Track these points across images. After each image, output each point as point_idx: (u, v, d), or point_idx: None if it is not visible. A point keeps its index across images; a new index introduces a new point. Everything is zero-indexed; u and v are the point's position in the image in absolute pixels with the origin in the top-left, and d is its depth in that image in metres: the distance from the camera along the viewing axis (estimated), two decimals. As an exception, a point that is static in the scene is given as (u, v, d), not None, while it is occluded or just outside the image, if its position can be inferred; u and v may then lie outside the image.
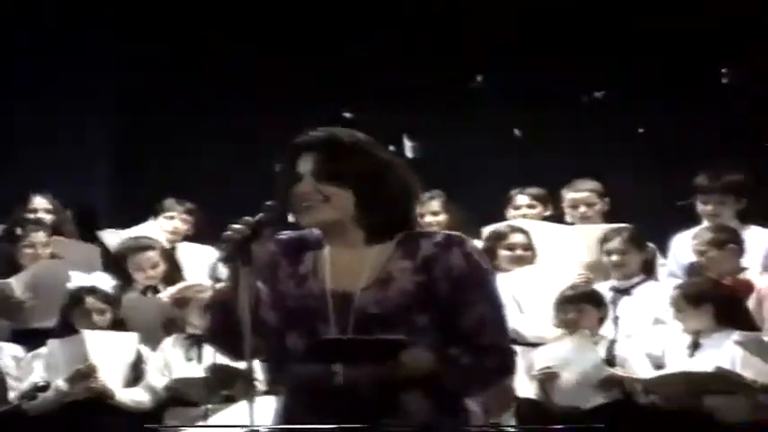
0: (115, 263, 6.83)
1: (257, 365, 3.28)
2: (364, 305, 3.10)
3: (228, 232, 3.09)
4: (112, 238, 7.11)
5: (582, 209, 6.90)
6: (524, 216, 7.05)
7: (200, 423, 5.60)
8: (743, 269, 6.25)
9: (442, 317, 3.11)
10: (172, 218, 7.28)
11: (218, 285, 3.20)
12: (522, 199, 7.15)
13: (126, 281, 6.76)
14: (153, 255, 6.76)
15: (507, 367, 3.21)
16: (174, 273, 6.78)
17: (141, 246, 6.80)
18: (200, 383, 6.06)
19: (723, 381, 5.57)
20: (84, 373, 6.06)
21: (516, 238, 6.61)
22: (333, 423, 3.04)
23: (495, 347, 3.14)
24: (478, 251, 3.22)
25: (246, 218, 3.11)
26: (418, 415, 3.09)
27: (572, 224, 6.98)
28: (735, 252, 6.25)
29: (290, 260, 3.22)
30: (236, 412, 5.38)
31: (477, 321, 3.11)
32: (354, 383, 3.07)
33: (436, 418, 3.10)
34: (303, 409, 3.14)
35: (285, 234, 3.26)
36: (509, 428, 5.51)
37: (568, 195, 6.98)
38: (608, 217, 6.94)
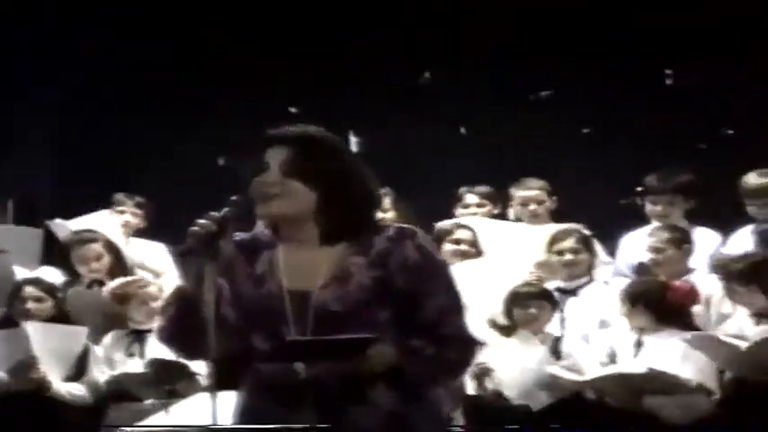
0: (60, 255, 6.73)
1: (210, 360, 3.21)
2: (323, 303, 3.09)
3: (194, 228, 3.06)
4: (61, 229, 7.01)
5: (531, 207, 6.94)
6: (474, 215, 7.06)
7: (148, 418, 5.53)
8: (691, 270, 6.30)
9: (401, 310, 3.12)
10: (122, 212, 7.23)
11: (182, 282, 3.16)
12: (471, 198, 7.18)
13: (73, 274, 6.67)
14: (96, 247, 6.67)
15: (470, 356, 3.24)
16: (119, 266, 6.69)
17: (84, 239, 6.72)
18: (142, 379, 6.00)
19: (657, 381, 5.61)
20: (26, 365, 5.96)
21: (462, 234, 6.66)
22: (297, 418, 3.03)
23: (456, 337, 3.15)
24: (430, 242, 3.23)
25: (212, 213, 3.08)
26: (383, 406, 3.08)
27: (519, 222, 7.01)
28: (688, 253, 6.31)
29: (246, 261, 3.20)
30: (187, 408, 5.33)
31: (436, 312, 3.12)
32: (318, 379, 3.06)
33: (401, 408, 3.10)
34: (266, 405, 3.12)
35: (239, 235, 3.23)
36: (457, 428, 5.55)
37: (518, 193, 7.01)
38: (555, 216, 6.97)
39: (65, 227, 7.03)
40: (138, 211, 7.24)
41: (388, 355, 3.07)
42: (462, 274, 6.23)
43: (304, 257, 3.15)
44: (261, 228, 3.26)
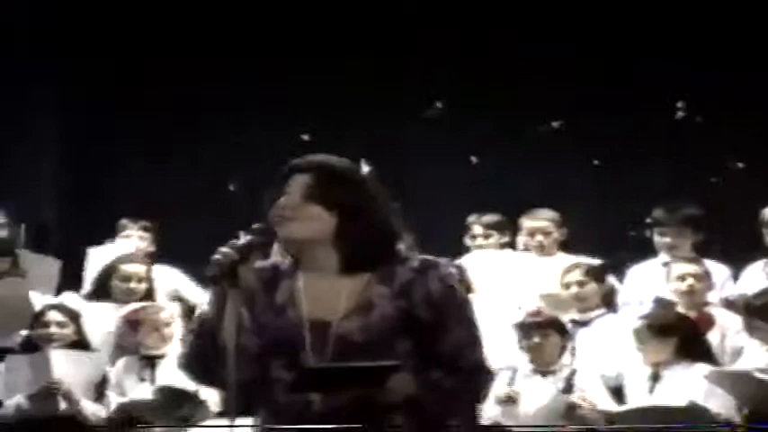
0: (103, 275, 6.73)
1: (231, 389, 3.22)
2: (345, 333, 3.10)
3: (217, 255, 3.06)
4: (96, 254, 7.03)
5: (538, 237, 6.95)
6: (480, 246, 7.06)
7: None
8: (708, 303, 6.32)
9: (422, 341, 3.12)
10: (129, 236, 7.23)
11: (203, 309, 3.17)
12: (477, 228, 7.19)
13: (103, 296, 6.68)
14: (141, 269, 6.71)
15: (487, 388, 3.27)
16: (151, 293, 6.71)
17: (133, 259, 6.80)
18: (150, 406, 6.00)
19: (692, 414, 5.59)
20: (49, 390, 5.95)
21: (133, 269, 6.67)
22: None
23: (475, 369, 3.16)
24: (452, 275, 3.23)
25: (234, 240, 3.09)
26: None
27: (526, 251, 7.02)
28: (709, 286, 6.34)
29: (266, 290, 3.20)
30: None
31: (456, 345, 3.13)
32: (333, 408, 3.05)
33: None
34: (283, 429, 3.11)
35: (259, 264, 3.23)
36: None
37: (526, 223, 7.03)
38: (563, 247, 6.98)
39: (98, 252, 7.05)
40: (145, 234, 7.25)
41: (406, 386, 3.07)
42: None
43: (324, 286, 3.16)
44: (279, 257, 3.26)
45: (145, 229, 7.27)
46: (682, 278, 6.33)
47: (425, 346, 3.12)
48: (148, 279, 6.73)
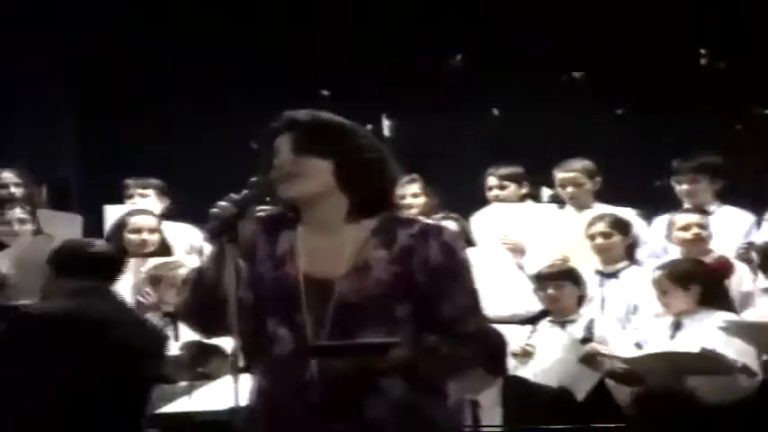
0: (115, 230, 6.76)
1: (234, 342, 3.23)
2: (342, 294, 3.08)
3: (215, 209, 3.06)
4: (113, 211, 7.07)
5: (569, 189, 6.88)
6: (497, 197, 7.04)
7: (181, 400, 5.56)
8: (711, 251, 6.31)
9: (419, 306, 3.10)
10: (131, 196, 7.29)
11: (200, 261, 3.18)
12: (491, 180, 7.15)
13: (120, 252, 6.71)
14: (152, 219, 6.75)
15: (484, 354, 3.25)
16: (165, 247, 6.75)
17: (142, 211, 6.84)
18: (175, 361, 6.02)
19: (706, 361, 5.57)
20: None
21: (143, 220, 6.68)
22: (309, 406, 3.04)
23: (473, 335, 3.15)
24: (455, 240, 3.21)
25: (232, 195, 3.09)
26: (398, 394, 3.08)
27: (554, 203, 7.00)
28: (710, 235, 6.32)
29: (268, 240, 3.19)
30: (217, 390, 5.35)
31: (454, 311, 3.11)
32: (330, 370, 3.05)
33: (413, 399, 3.10)
34: (279, 391, 3.12)
35: (264, 211, 3.23)
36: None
37: (558, 175, 6.95)
38: (599, 197, 6.93)
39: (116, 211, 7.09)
40: (147, 192, 7.28)
41: (403, 353, 3.05)
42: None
43: (325, 241, 3.14)
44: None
45: (147, 187, 7.30)
46: (686, 228, 6.30)
47: (424, 312, 3.10)
48: (159, 230, 6.76)
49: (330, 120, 3.21)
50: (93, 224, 7.22)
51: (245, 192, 3.09)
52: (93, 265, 4.88)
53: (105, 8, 8.41)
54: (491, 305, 6.12)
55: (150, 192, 7.30)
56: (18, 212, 6.75)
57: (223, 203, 3.07)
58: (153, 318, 6.28)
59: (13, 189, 7.10)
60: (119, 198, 7.33)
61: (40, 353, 4.65)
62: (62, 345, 4.64)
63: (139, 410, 4.87)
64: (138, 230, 6.70)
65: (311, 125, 3.17)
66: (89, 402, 4.64)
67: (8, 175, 7.14)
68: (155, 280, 6.40)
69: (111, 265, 4.99)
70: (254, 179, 3.12)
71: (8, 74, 8.24)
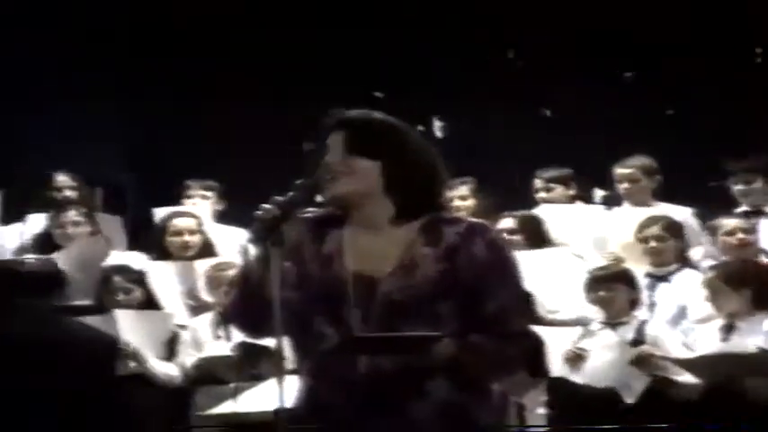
0: (157, 233, 6.83)
1: (285, 344, 3.26)
2: (388, 291, 3.10)
3: (259, 212, 3.09)
4: (161, 214, 7.13)
5: (625, 185, 6.82)
6: (543, 199, 7.03)
7: (230, 401, 5.59)
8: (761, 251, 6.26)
9: (465, 304, 3.12)
10: (191, 197, 7.32)
11: (246, 263, 3.20)
12: (537, 182, 7.14)
13: (162, 254, 6.77)
14: (192, 221, 6.79)
15: (529, 355, 3.24)
16: (208, 247, 6.79)
17: (182, 213, 6.89)
18: (228, 362, 6.06)
19: (762, 360, 5.51)
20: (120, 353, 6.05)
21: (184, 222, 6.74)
22: (354, 405, 3.06)
23: (517, 334, 3.16)
24: (502, 239, 3.23)
25: (277, 197, 3.11)
26: (440, 397, 3.09)
27: (607, 204, 6.95)
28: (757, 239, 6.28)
29: (315, 240, 3.21)
30: (264, 391, 5.38)
31: (499, 309, 3.12)
32: (376, 369, 3.07)
33: (458, 399, 3.11)
34: (327, 391, 3.14)
35: (311, 212, 3.25)
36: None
37: (616, 170, 6.88)
38: (657, 195, 6.86)
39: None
40: (209, 194, 7.31)
41: (448, 350, 3.07)
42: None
43: (372, 240, 3.16)
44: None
45: (209, 189, 7.33)
46: (731, 233, 6.25)
47: (468, 310, 3.11)
48: (201, 232, 6.80)
49: (382, 120, 3.22)
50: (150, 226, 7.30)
51: (290, 194, 3.11)
52: (23, 283, 5.02)
53: (159, 11, 8.47)
54: (552, 306, 6.17)
55: (211, 193, 7.35)
56: (72, 215, 6.81)
57: (267, 206, 3.09)
58: (207, 317, 6.33)
59: (68, 192, 7.17)
60: (172, 200, 7.37)
61: None
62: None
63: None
64: (179, 233, 6.74)
65: (363, 125, 3.20)
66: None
67: (63, 179, 7.21)
68: (216, 281, 6.44)
69: (45, 282, 5.14)
70: (298, 181, 3.14)
71: (63, 79, 8.33)
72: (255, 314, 3.12)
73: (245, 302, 3.18)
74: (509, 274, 3.16)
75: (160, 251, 6.80)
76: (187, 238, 6.74)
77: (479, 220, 3.26)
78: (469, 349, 3.10)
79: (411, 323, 3.07)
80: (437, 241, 3.14)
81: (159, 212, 7.16)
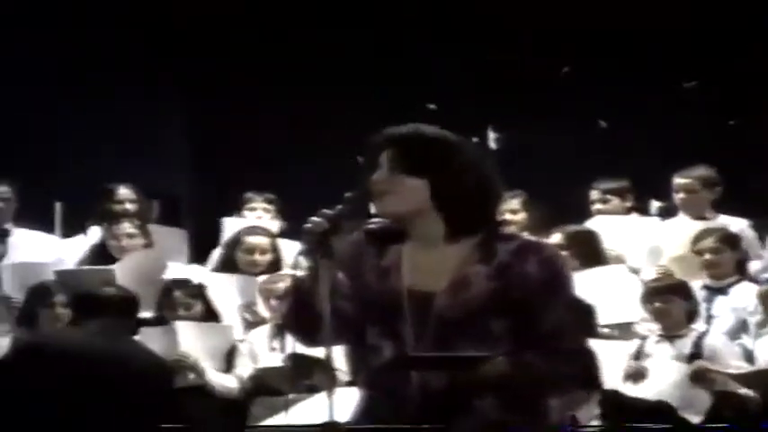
0: (229, 246, 6.84)
1: (339, 355, 3.27)
2: (442, 308, 3.11)
3: (308, 225, 3.11)
4: (230, 224, 7.16)
5: (682, 195, 6.74)
6: (599, 211, 6.99)
7: (281, 414, 5.61)
8: None
9: (518, 323, 3.11)
10: (254, 209, 7.33)
11: (298, 275, 3.21)
12: (594, 194, 7.09)
13: (231, 268, 6.78)
14: (266, 240, 6.78)
15: (584, 372, 3.24)
16: (276, 266, 6.79)
17: (257, 231, 6.87)
18: (282, 373, 6.08)
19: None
20: (177, 363, 6.09)
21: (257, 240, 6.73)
22: (407, 421, 3.07)
23: (572, 353, 3.15)
24: (557, 257, 3.21)
25: (326, 210, 3.12)
26: (489, 416, 3.09)
27: (663, 215, 6.89)
28: None
29: (374, 252, 3.22)
30: (317, 403, 5.39)
31: (553, 328, 3.11)
32: (426, 385, 3.08)
33: (508, 418, 3.10)
34: (379, 405, 3.16)
35: (374, 223, 3.25)
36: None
37: (675, 180, 6.81)
38: (717, 207, 6.79)
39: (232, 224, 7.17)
40: (270, 207, 7.33)
41: (499, 368, 3.07)
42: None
43: (428, 256, 3.16)
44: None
45: (269, 201, 7.35)
46: None
47: (522, 329, 3.11)
48: (274, 251, 6.79)
49: (431, 136, 3.20)
50: (205, 238, 7.35)
51: (339, 207, 3.13)
52: (102, 306, 5.15)
53: (221, 24, 8.53)
54: (607, 320, 6.14)
55: (272, 207, 7.37)
56: (126, 227, 6.87)
57: (316, 219, 3.10)
58: (263, 329, 6.36)
59: (128, 205, 7.21)
60: (229, 212, 7.40)
61: (37, 380, 4.88)
62: (55, 374, 4.88)
63: None
64: (251, 251, 6.74)
65: (410, 142, 3.19)
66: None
67: (124, 192, 7.25)
68: (262, 293, 6.48)
69: (121, 306, 5.25)
70: (348, 195, 3.15)
71: (123, 90, 8.42)
72: (308, 325, 3.13)
73: (297, 314, 3.20)
74: (563, 291, 3.15)
75: (227, 264, 6.80)
76: (258, 257, 6.73)
77: (534, 239, 3.26)
78: (522, 368, 3.09)
79: (464, 340, 3.08)
80: (490, 259, 3.14)
81: (228, 223, 7.18)
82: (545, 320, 3.10)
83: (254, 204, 7.36)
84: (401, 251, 3.20)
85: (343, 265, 3.17)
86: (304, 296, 3.14)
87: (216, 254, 7.12)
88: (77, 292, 5.56)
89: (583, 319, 3.18)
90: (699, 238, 6.32)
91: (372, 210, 3.23)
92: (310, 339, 3.23)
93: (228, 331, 6.37)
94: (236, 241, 6.81)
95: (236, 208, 7.38)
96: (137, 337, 6.07)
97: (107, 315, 5.18)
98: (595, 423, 5.65)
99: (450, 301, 3.10)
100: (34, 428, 4.92)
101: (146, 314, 6.35)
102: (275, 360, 6.20)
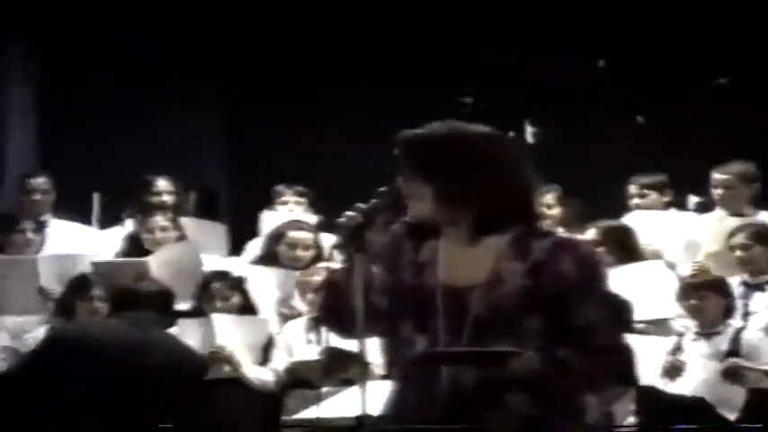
0: (271, 239, 6.83)
1: (375, 348, 3.28)
2: (475, 304, 3.10)
3: (342, 219, 3.11)
4: (269, 218, 7.17)
5: (720, 191, 6.68)
6: (638, 206, 6.95)
7: (313, 407, 5.63)
8: None
9: (551, 320, 3.10)
10: (286, 203, 7.32)
11: (333, 268, 3.23)
12: (632, 189, 7.05)
13: (272, 262, 6.77)
14: (309, 236, 6.76)
15: (619, 369, 3.22)
16: (317, 258, 6.78)
17: (302, 226, 6.83)
18: (318, 366, 6.08)
19: None
20: (213, 356, 6.12)
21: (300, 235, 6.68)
22: (438, 416, 3.07)
23: (606, 350, 3.14)
24: (591, 254, 3.21)
25: (359, 205, 3.13)
26: (524, 409, 3.08)
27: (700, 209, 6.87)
28: None
29: (412, 246, 3.22)
30: (352, 396, 5.40)
31: (587, 324, 3.10)
32: (457, 380, 3.08)
33: (540, 414, 3.09)
34: (411, 399, 3.16)
35: (411, 217, 3.23)
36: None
37: (713, 175, 6.75)
38: (756, 203, 6.72)
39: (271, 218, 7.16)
40: (301, 200, 7.32)
41: (532, 365, 3.07)
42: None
43: (464, 253, 3.16)
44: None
45: (300, 194, 7.34)
46: None
47: (556, 326, 3.10)
48: (317, 246, 6.79)
49: (446, 134, 3.17)
50: (242, 231, 7.36)
51: (373, 201, 3.13)
52: (139, 299, 5.25)
53: (257, 23, 8.55)
54: (644, 316, 6.11)
55: (303, 199, 7.36)
56: (160, 220, 6.89)
57: (350, 213, 3.11)
58: (300, 322, 6.37)
59: (165, 197, 7.22)
60: (266, 205, 7.41)
61: (70, 371, 4.97)
62: (92, 364, 4.96)
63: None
64: (294, 245, 6.72)
65: (417, 145, 3.17)
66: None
67: (163, 184, 7.26)
68: (298, 286, 6.49)
69: (158, 299, 5.34)
70: (381, 189, 3.15)
71: (162, 83, 8.45)
72: (343, 318, 3.15)
73: (331, 307, 3.22)
74: (598, 289, 3.14)
75: (269, 257, 6.80)
76: (300, 252, 6.70)
77: (569, 236, 3.25)
78: (555, 364, 3.08)
79: (498, 337, 3.08)
80: (525, 256, 3.13)
81: (266, 217, 7.17)
82: (579, 317, 3.09)
83: (285, 198, 7.35)
84: (437, 247, 3.19)
85: (382, 258, 3.18)
86: (338, 290, 3.15)
87: (252, 246, 7.13)
88: (115, 286, 5.61)
89: (618, 315, 3.14)
90: (732, 234, 6.28)
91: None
92: (345, 332, 3.25)
93: (265, 324, 6.38)
94: (279, 235, 6.79)
95: (269, 202, 7.37)
96: (173, 330, 6.14)
97: (142, 308, 5.23)
98: (632, 420, 5.62)
99: (484, 297, 3.10)
100: (67, 418, 4.97)
101: (182, 306, 6.40)
102: (311, 353, 6.21)
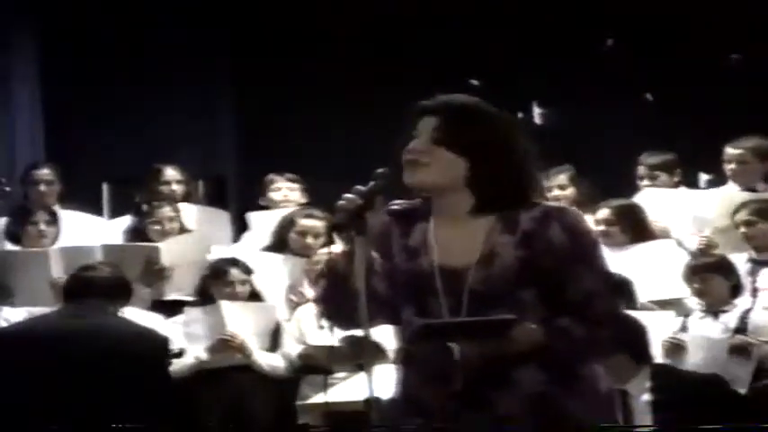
0: (281, 228, 6.79)
1: (390, 333, 3.28)
2: (472, 283, 3.10)
3: (341, 202, 3.10)
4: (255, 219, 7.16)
5: (732, 166, 6.61)
6: (647, 186, 6.91)
7: (330, 391, 5.63)
8: None
9: (547, 290, 3.10)
10: (279, 189, 7.29)
11: (333, 253, 3.20)
12: (640, 169, 7.01)
13: (282, 249, 6.75)
14: (321, 224, 6.69)
15: (621, 338, 3.21)
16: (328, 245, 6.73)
17: (314, 214, 6.75)
18: (332, 352, 6.07)
19: None
20: (225, 343, 6.12)
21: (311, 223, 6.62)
22: (442, 395, 3.07)
23: (606, 316, 3.13)
24: (581, 221, 3.18)
25: (358, 187, 3.11)
26: (529, 388, 3.07)
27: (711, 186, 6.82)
28: None
29: (401, 232, 3.22)
30: (363, 381, 5.39)
31: (583, 293, 3.09)
32: (467, 359, 3.06)
33: (549, 389, 3.08)
34: (419, 381, 3.15)
35: (397, 204, 3.25)
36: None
37: (726, 150, 6.67)
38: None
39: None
40: (293, 185, 7.28)
41: (534, 335, 3.06)
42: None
43: (456, 232, 3.15)
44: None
45: (292, 180, 7.30)
46: None
47: (552, 296, 3.09)
48: (327, 234, 6.75)
49: (475, 110, 3.16)
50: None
51: (372, 183, 3.11)
52: (93, 287, 5.35)
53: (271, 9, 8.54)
54: (655, 295, 6.09)
55: (296, 185, 7.34)
56: (167, 211, 6.88)
57: (349, 196, 3.09)
58: (310, 308, 6.37)
59: (174, 186, 7.20)
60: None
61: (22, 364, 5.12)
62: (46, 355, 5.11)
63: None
64: (304, 233, 6.70)
65: (452, 113, 3.15)
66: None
67: (172, 173, 7.24)
68: (306, 274, 6.48)
69: (112, 287, 5.44)
70: (380, 170, 3.13)
71: (171, 72, 8.46)
72: (344, 304, 3.12)
73: (333, 293, 3.20)
74: (588, 256, 3.12)
75: (279, 245, 6.76)
76: (311, 240, 6.67)
77: (556, 204, 3.23)
78: (558, 333, 3.07)
79: (497, 313, 3.06)
80: (513, 228, 3.12)
81: (253, 217, 7.17)
82: (574, 287, 3.09)
83: (277, 185, 7.29)
84: (427, 229, 3.18)
85: (375, 245, 3.16)
86: (340, 275, 3.13)
87: (246, 238, 7.10)
88: (70, 274, 5.66)
89: (615, 284, 3.12)
90: (736, 210, 6.22)
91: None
92: (346, 319, 3.21)
93: (273, 311, 6.38)
94: (290, 223, 6.80)
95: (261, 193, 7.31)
96: (179, 318, 6.17)
97: (95, 296, 5.32)
98: (646, 397, 5.60)
99: (481, 274, 3.09)
100: (26, 410, 5.05)
101: (181, 296, 6.41)
102: (323, 338, 6.21)
